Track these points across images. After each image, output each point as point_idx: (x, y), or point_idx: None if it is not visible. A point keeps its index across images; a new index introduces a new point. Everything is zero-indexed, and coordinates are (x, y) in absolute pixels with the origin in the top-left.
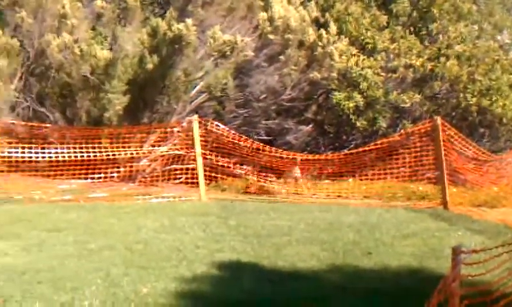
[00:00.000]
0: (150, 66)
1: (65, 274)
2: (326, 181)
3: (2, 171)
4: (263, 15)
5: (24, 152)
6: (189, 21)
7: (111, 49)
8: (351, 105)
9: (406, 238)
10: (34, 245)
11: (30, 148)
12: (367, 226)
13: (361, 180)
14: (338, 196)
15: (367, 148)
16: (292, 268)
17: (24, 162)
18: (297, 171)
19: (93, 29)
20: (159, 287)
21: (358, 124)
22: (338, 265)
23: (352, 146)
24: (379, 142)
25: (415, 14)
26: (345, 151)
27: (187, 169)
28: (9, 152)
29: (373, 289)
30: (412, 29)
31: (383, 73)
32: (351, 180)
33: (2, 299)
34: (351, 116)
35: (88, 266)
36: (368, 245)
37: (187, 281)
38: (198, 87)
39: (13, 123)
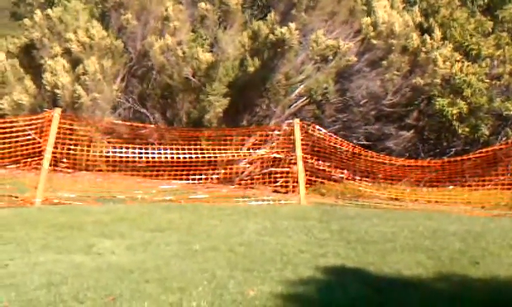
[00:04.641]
0: (251, 69)
1: (171, 274)
2: (425, 188)
3: (102, 170)
4: (366, 20)
5: (127, 152)
6: (292, 25)
7: (211, 52)
8: (455, 111)
9: None
10: (138, 244)
11: (132, 147)
12: (472, 235)
13: (462, 187)
14: (440, 203)
15: (471, 156)
16: (398, 275)
17: (124, 161)
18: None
19: (193, 31)
20: (265, 290)
21: (460, 131)
22: (445, 274)
23: (452, 153)
24: (484, 150)
25: None
26: (445, 158)
27: (287, 172)
28: (112, 152)
29: (482, 300)
30: None
31: (487, 80)
32: (451, 187)
33: (112, 296)
34: (453, 123)
35: (193, 267)
36: (474, 255)
37: (292, 285)
38: (297, 91)
39: (115, 123)
